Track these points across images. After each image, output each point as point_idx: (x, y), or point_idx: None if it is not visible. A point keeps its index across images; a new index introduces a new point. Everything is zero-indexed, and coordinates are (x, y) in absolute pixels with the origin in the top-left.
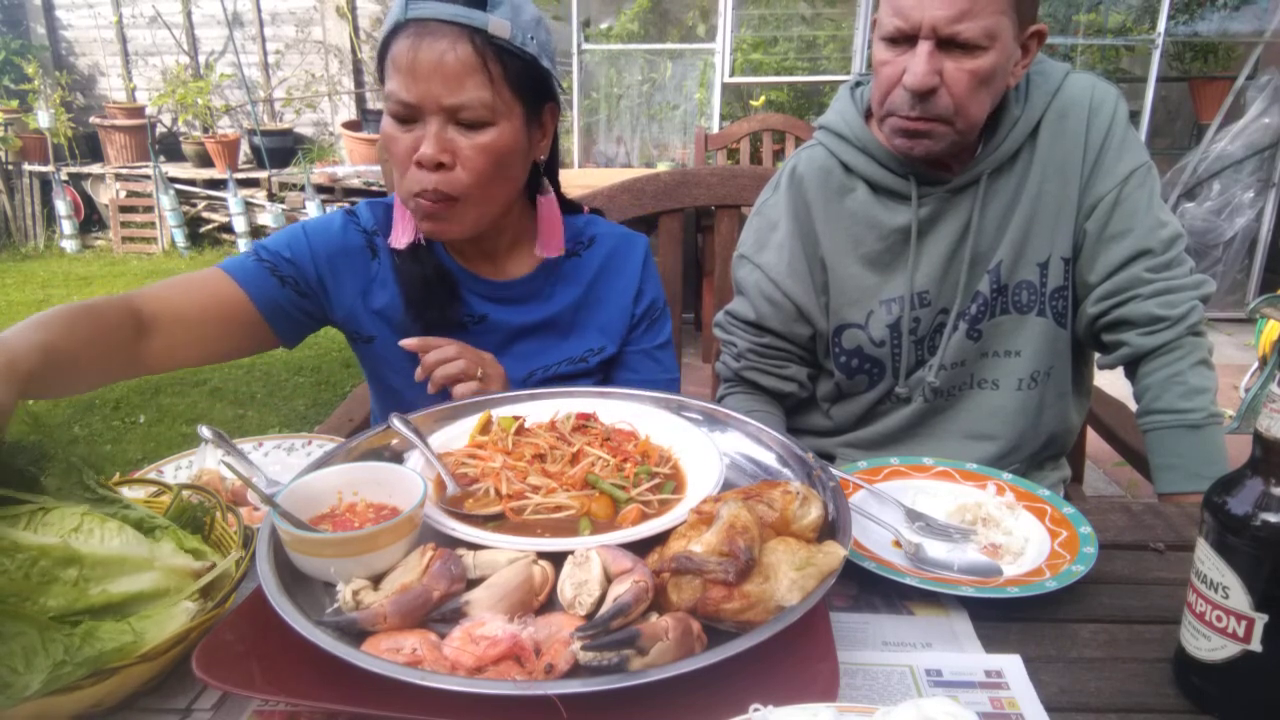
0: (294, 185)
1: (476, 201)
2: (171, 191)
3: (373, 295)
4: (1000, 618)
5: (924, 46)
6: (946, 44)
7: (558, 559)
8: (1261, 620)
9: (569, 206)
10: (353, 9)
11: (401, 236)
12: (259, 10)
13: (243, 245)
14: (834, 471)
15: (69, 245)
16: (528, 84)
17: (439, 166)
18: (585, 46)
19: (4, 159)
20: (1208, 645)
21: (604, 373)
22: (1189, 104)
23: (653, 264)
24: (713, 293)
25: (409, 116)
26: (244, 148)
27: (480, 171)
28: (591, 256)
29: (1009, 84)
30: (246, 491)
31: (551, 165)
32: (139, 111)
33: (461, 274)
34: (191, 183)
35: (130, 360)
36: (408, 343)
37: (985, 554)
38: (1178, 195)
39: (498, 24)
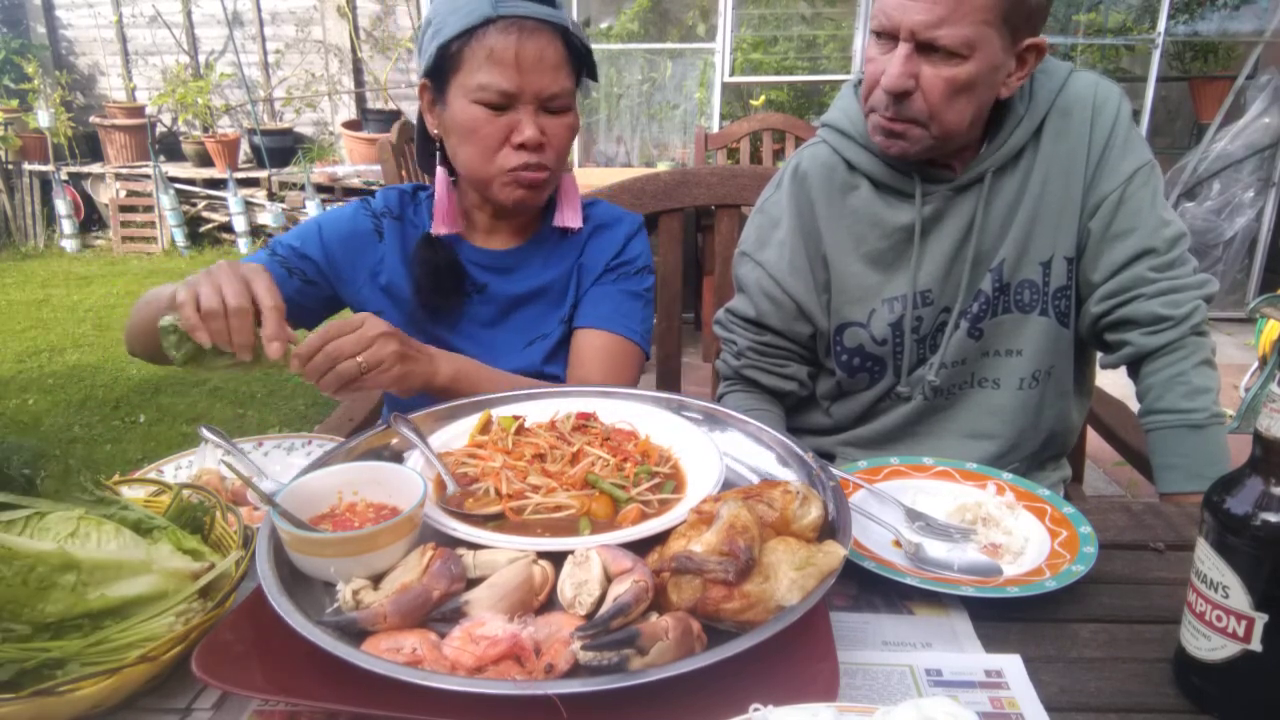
0: (294, 185)
1: (557, 173)
2: (171, 191)
3: (380, 274)
4: (1000, 618)
5: (902, 49)
6: (925, 48)
7: (558, 559)
8: (1261, 620)
9: None
10: (353, 9)
11: (440, 225)
12: (259, 10)
13: (243, 244)
14: (834, 471)
15: (69, 245)
16: (583, 74)
17: (539, 148)
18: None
19: (4, 158)
20: (1208, 645)
21: None
22: (1189, 104)
23: (643, 238)
24: (713, 292)
25: (504, 104)
26: (244, 147)
27: (564, 148)
28: (585, 231)
29: (1000, 94)
30: (246, 491)
31: None
32: (139, 111)
33: (470, 250)
34: (191, 182)
35: None
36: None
37: (985, 554)
38: (1178, 195)
39: (570, 23)
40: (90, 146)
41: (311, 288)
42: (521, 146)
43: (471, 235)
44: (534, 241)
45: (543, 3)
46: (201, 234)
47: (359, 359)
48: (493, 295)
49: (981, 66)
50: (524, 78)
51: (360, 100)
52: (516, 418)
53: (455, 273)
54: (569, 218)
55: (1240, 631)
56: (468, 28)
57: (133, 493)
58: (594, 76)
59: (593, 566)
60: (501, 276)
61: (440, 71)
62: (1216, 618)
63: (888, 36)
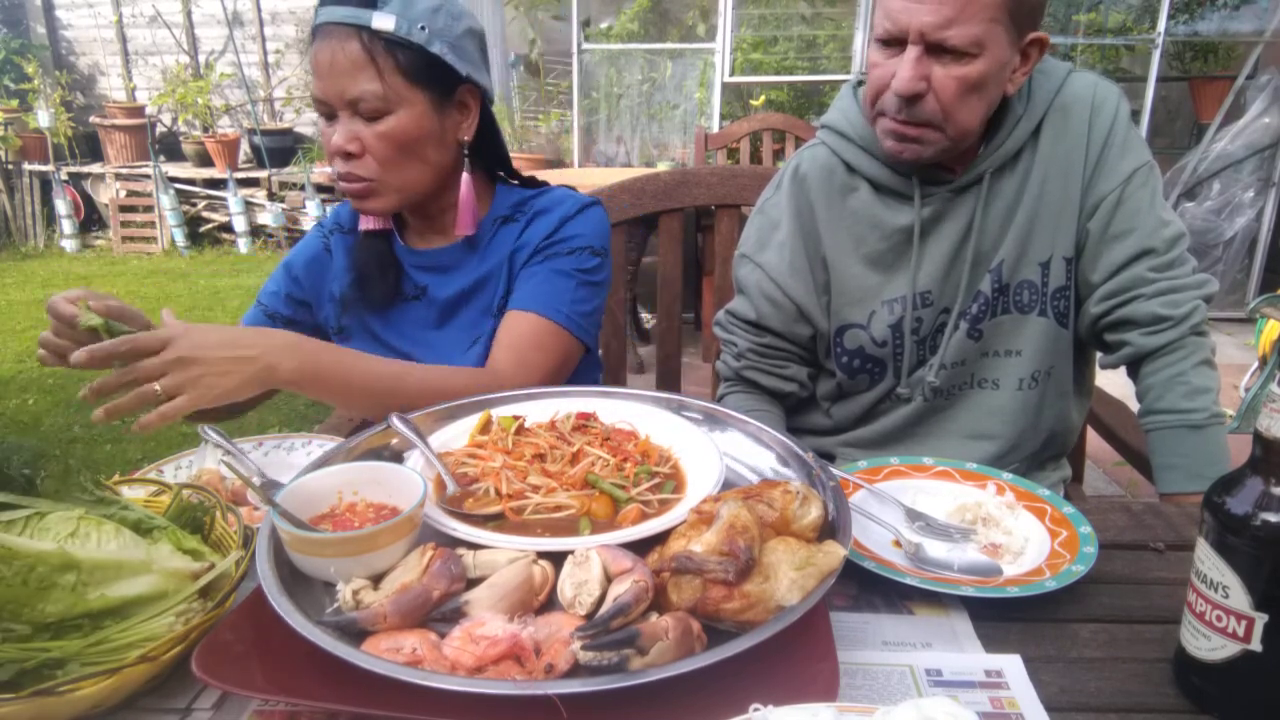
0: (294, 184)
1: (391, 183)
2: (171, 191)
3: (334, 288)
4: (1000, 618)
5: (912, 51)
6: (935, 49)
7: (558, 559)
8: (1261, 620)
9: (530, 183)
10: None
11: (364, 222)
12: (259, 10)
13: (242, 244)
14: (834, 471)
15: (69, 245)
16: (423, 71)
17: (349, 156)
18: (585, 46)
19: (4, 158)
20: (1208, 645)
21: None
22: (1189, 104)
23: (587, 219)
24: (713, 292)
25: (326, 114)
26: (244, 147)
27: (384, 156)
28: (526, 217)
29: (1007, 91)
30: (246, 491)
31: (491, 145)
32: (139, 111)
33: (406, 252)
34: (191, 182)
35: None
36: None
37: (985, 554)
38: (1178, 195)
39: (381, 19)
40: (90, 146)
41: (295, 327)
42: (333, 154)
43: (408, 237)
44: (468, 238)
45: (358, 5)
46: (201, 234)
47: (156, 386)
48: (433, 298)
49: (991, 64)
50: (323, 84)
51: None
52: (516, 418)
53: (390, 265)
54: (461, 225)
55: (1240, 631)
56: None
57: (133, 493)
58: (458, 74)
59: (593, 566)
60: (439, 276)
61: None
62: (1216, 618)
63: (895, 41)
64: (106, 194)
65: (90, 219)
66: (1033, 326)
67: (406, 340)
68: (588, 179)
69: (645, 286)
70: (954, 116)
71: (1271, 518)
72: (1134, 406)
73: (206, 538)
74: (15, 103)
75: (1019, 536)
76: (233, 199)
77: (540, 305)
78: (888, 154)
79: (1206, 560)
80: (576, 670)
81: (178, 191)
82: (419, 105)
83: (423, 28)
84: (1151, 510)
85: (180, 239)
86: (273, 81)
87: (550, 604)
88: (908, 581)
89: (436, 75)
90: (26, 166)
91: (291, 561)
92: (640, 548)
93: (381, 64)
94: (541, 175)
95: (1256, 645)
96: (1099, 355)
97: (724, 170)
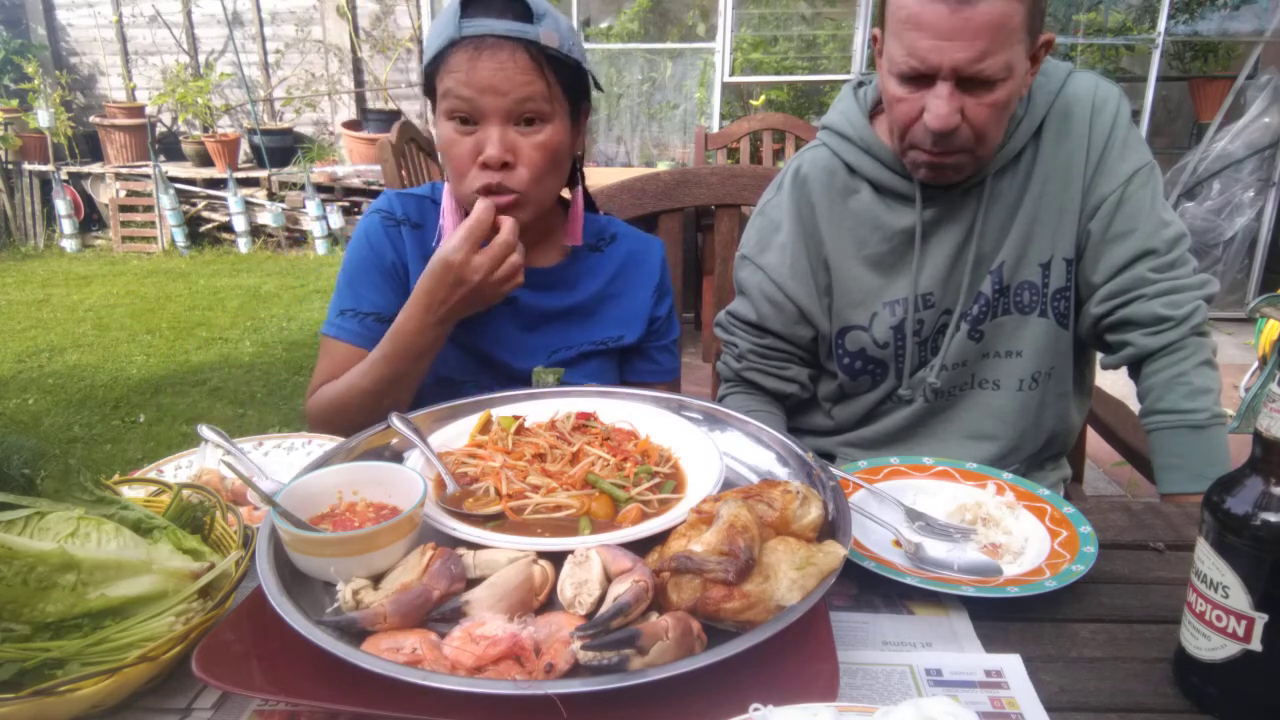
0: (294, 184)
1: (535, 196)
2: (171, 191)
3: (406, 279)
4: (1000, 617)
5: (944, 88)
6: (966, 82)
7: (558, 559)
8: (1261, 620)
9: (590, 204)
10: (353, 8)
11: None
12: (259, 10)
13: (242, 244)
14: (834, 471)
15: (69, 245)
16: (573, 86)
17: (503, 165)
18: (585, 46)
19: (4, 158)
20: (1208, 645)
21: (621, 358)
22: (1189, 104)
23: (667, 266)
24: (713, 292)
25: (470, 120)
26: (244, 147)
27: (539, 167)
28: (614, 253)
29: (1020, 95)
30: (246, 491)
31: (579, 159)
32: (139, 111)
33: None
34: (191, 182)
35: None
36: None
37: (985, 554)
38: (1178, 195)
39: (548, 35)
40: (90, 146)
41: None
42: (485, 165)
43: None
44: (566, 262)
45: (519, 19)
46: (201, 234)
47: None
48: (522, 308)
49: (1017, 82)
50: (482, 94)
51: (360, 100)
52: (516, 418)
53: None
54: (571, 236)
55: (1240, 631)
56: (438, 51)
57: (133, 493)
58: (587, 91)
59: (593, 566)
60: (531, 292)
61: (430, 93)
62: (1216, 618)
63: (920, 77)
64: (106, 194)
65: (90, 219)
66: (1033, 327)
67: (485, 339)
68: (588, 179)
69: None
70: (985, 138)
71: (1271, 518)
72: (1134, 406)
73: (206, 538)
74: (15, 103)
75: (1019, 536)
76: (232, 199)
77: (678, 372)
78: (923, 179)
79: (1206, 560)
80: (576, 670)
81: (178, 191)
82: (565, 119)
83: (573, 44)
84: (1151, 510)
85: (180, 239)
86: (273, 81)
87: (550, 604)
88: (908, 581)
89: (579, 90)
90: (26, 166)
91: (291, 561)
92: (640, 548)
93: (548, 76)
94: None
95: (1256, 645)
96: (1100, 356)
97: (724, 170)
